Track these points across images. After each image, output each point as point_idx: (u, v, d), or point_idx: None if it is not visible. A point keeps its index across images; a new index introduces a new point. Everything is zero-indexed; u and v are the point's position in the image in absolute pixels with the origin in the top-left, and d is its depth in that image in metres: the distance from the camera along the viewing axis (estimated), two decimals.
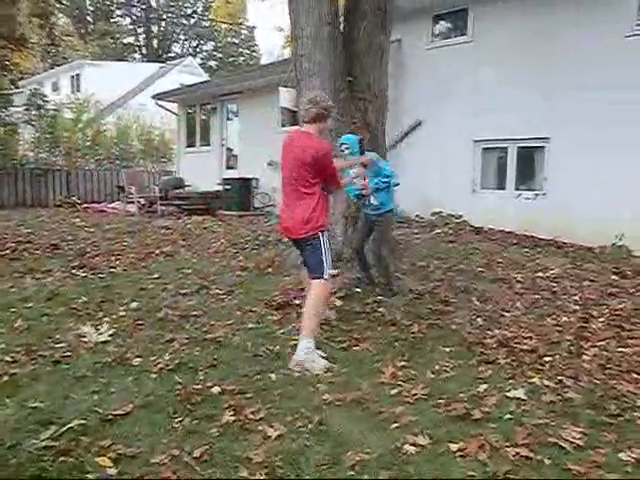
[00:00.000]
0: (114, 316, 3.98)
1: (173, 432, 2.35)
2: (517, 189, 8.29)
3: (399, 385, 2.86)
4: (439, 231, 7.91)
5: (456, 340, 3.59)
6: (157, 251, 6.61)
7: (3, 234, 8.32)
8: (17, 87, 20.03)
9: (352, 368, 3.12)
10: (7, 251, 6.80)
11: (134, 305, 4.28)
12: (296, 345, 3.19)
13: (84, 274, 5.51)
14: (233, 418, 2.45)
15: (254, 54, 38.56)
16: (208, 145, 14.30)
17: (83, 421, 2.38)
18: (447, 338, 3.63)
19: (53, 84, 24.67)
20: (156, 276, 5.31)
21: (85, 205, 13.54)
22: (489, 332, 3.70)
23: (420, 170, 8.99)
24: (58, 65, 27.60)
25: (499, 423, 2.47)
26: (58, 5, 33.46)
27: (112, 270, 5.69)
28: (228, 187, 11.53)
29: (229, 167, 13.66)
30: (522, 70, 7.96)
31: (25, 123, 14.45)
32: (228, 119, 13.91)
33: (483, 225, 8.09)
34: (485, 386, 2.86)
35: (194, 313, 4.05)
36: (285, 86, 8.95)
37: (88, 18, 36.76)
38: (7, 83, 16.43)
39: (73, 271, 5.66)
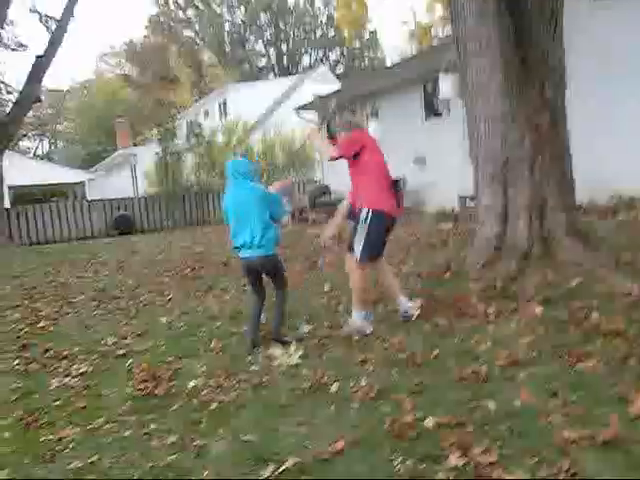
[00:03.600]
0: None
1: (396, 476, 2.09)
2: None
3: None
4: (622, 218, 6.68)
5: None
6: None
7: (183, 254, 9.17)
8: (174, 121, 22.51)
9: (584, 394, 2.56)
10: (188, 270, 7.40)
11: (314, 322, 4.18)
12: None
13: None
14: (461, 460, 2.10)
15: (379, 54, 38.40)
16: None
17: (298, 459, 2.24)
18: None
19: (205, 112, 27.15)
20: (327, 289, 5.23)
21: None
22: None
23: (592, 147, 7.73)
24: (206, 94, 30.41)
25: None
26: (200, 42, 37.12)
27: None
28: None
29: None
30: None
31: (187, 151, 16.06)
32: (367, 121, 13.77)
33: None
34: None
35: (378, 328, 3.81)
36: (445, 72, 8.14)
37: (226, 49, 40.04)
38: (168, 119, 18.40)
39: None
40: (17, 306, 6.30)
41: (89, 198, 19.97)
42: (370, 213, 3.59)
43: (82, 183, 22.90)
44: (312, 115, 15.67)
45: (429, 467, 2.11)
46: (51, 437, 2.74)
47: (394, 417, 2.49)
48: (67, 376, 3.65)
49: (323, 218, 11.91)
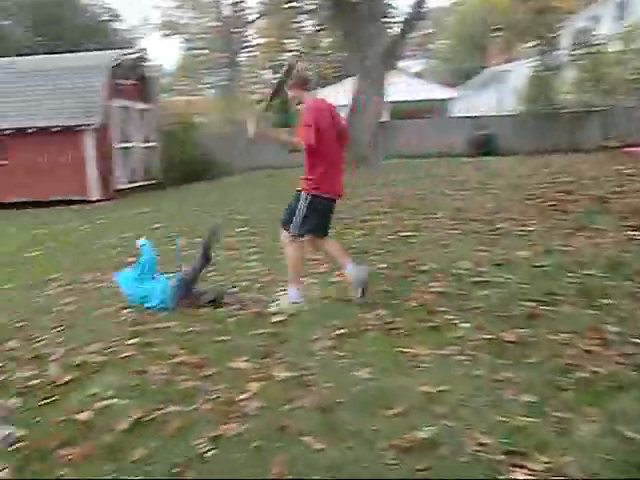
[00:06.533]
0: None
1: None
2: None
3: None
4: None
5: None
6: None
7: (543, 182, 8.29)
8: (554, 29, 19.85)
9: None
10: (549, 202, 6.60)
11: None
12: None
13: None
14: None
15: None
16: None
17: None
18: None
19: (593, 18, 22.98)
20: None
21: (626, 149, 11.95)
22: None
23: None
24: None
25: None
26: None
27: None
28: None
29: None
30: None
31: (568, 65, 13.96)
32: None
33: None
34: None
35: None
36: None
37: None
38: (549, 28, 16.20)
39: (629, 232, 4.76)
40: (386, 212, 7.03)
41: (451, 115, 20.29)
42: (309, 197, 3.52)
43: (447, 101, 23.32)
44: None
45: None
46: (406, 350, 2.79)
47: None
48: (422, 292, 3.71)
49: None
